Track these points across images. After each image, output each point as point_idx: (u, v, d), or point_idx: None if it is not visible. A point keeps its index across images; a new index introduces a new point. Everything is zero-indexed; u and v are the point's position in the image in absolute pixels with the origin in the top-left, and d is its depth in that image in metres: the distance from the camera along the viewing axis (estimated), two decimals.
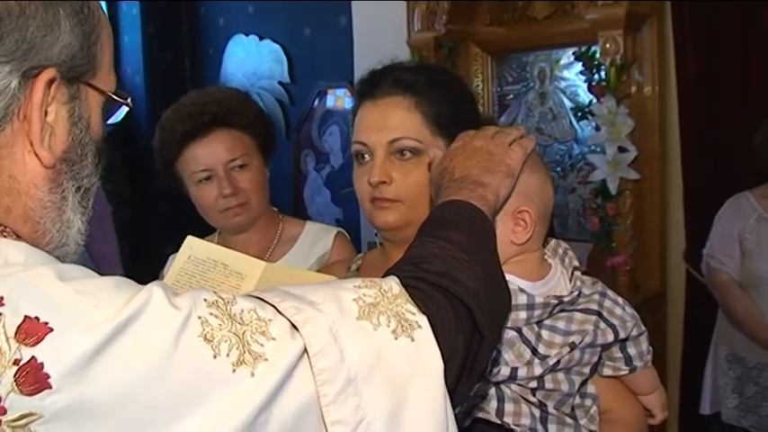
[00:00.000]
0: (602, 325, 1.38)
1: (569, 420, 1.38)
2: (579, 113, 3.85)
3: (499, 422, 1.33)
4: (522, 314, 1.33)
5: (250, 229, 2.20)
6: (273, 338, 0.87)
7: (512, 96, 4.39)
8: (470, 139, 1.35)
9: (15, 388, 0.76)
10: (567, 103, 4.12)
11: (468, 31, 4.37)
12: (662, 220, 3.78)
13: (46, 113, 0.94)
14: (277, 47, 5.70)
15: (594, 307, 1.39)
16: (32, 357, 0.77)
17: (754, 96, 3.42)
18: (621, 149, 3.59)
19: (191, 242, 1.61)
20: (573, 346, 1.34)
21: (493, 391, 1.34)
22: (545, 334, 1.36)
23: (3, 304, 0.79)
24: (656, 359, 3.76)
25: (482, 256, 1.10)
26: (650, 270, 3.80)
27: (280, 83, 5.70)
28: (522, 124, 4.31)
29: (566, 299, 1.36)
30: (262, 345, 0.86)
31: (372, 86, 1.54)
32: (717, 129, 3.54)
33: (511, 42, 4.27)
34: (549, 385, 1.35)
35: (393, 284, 1.00)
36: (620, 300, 1.44)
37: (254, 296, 0.93)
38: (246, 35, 5.95)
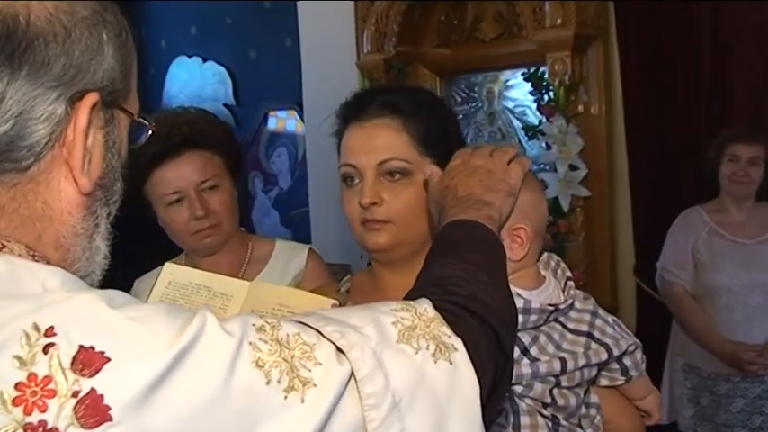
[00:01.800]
0: (594, 345, 1.41)
1: (578, 430, 1.41)
2: (529, 133, 3.92)
3: None
4: (519, 318, 1.34)
5: (220, 251, 2.16)
6: (320, 363, 0.86)
7: (461, 116, 4.40)
8: (469, 158, 1.35)
9: (75, 421, 0.74)
10: (516, 123, 4.18)
11: (416, 52, 4.41)
12: (611, 236, 3.86)
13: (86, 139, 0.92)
14: (221, 69, 5.68)
15: (585, 328, 1.42)
16: (92, 389, 0.75)
17: (698, 113, 3.54)
18: (572, 167, 3.66)
19: (170, 268, 1.59)
20: (563, 365, 1.36)
21: (508, 405, 1.36)
22: (541, 338, 1.38)
23: (55, 334, 0.76)
24: None
25: (499, 277, 1.12)
26: (601, 285, 3.85)
27: (225, 105, 5.67)
28: (472, 144, 4.35)
29: (561, 306, 1.40)
30: (309, 370, 0.85)
31: (359, 109, 1.55)
32: (663, 145, 3.64)
33: (459, 63, 4.33)
34: (560, 402, 1.38)
35: (428, 307, 1.00)
36: (610, 318, 1.47)
37: (297, 321, 0.92)
38: (189, 57, 5.92)
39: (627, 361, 1.46)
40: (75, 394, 0.74)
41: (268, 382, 0.82)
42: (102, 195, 0.96)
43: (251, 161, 5.44)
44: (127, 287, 2.40)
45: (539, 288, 1.43)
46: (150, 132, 1.05)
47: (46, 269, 0.87)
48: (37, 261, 0.89)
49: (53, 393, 0.74)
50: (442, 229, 1.23)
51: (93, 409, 0.74)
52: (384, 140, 1.51)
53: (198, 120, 2.13)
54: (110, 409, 0.74)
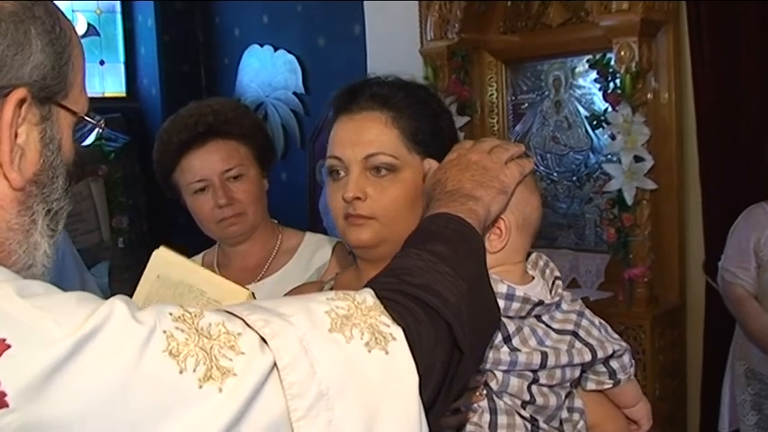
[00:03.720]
0: (578, 344, 1.36)
1: None
2: (595, 122, 3.79)
3: None
4: (500, 303, 1.29)
5: (248, 240, 2.18)
6: (243, 353, 0.85)
7: (526, 105, 4.33)
8: (466, 152, 1.33)
9: None
10: (583, 112, 4.06)
11: (481, 39, 4.33)
12: (680, 230, 3.71)
13: (16, 135, 0.92)
14: (292, 57, 5.69)
15: (570, 327, 1.38)
16: None
17: None
18: (637, 159, 3.52)
19: (161, 256, 1.55)
20: (544, 359, 1.32)
21: (485, 403, 1.33)
22: (525, 331, 1.34)
23: None
24: (676, 374, 3.71)
25: (468, 271, 1.07)
26: (669, 282, 3.72)
27: (294, 93, 5.69)
28: (537, 133, 4.26)
29: (546, 301, 1.35)
30: (230, 359, 0.84)
31: (349, 101, 1.51)
32: (735, 135, 3.47)
33: (525, 50, 4.23)
34: (539, 401, 1.33)
35: (368, 296, 0.97)
36: (596, 321, 1.43)
37: (223, 310, 0.91)
38: (261, 45, 5.95)
39: (614, 364, 1.41)
40: None
41: (181, 371, 0.81)
42: (38, 192, 0.96)
43: (319, 150, 5.43)
44: None
45: (524, 286, 1.38)
46: (99, 131, 1.05)
47: None
48: None
49: None
50: (421, 221, 1.21)
51: None
52: (372, 134, 1.47)
53: (225, 109, 2.15)
54: (6, 395, 0.75)
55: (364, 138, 1.46)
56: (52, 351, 0.76)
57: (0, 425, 0.74)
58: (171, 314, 0.86)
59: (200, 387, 0.81)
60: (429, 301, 1.00)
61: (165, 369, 0.81)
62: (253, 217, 2.13)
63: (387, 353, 0.92)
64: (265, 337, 0.87)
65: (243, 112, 2.22)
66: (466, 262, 1.09)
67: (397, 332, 0.94)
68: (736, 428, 3.17)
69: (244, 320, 0.89)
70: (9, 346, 0.76)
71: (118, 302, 0.83)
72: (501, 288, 1.30)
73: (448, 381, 1.01)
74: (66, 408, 0.76)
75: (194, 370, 0.82)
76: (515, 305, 1.32)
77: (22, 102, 0.91)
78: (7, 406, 0.74)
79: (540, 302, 1.34)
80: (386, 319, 0.95)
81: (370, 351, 0.91)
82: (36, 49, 0.92)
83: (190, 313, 0.86)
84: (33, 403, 0.75)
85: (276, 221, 2.29)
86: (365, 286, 1.03)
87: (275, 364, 0.86)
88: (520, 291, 1.32)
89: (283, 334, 0.88)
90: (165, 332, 0.83)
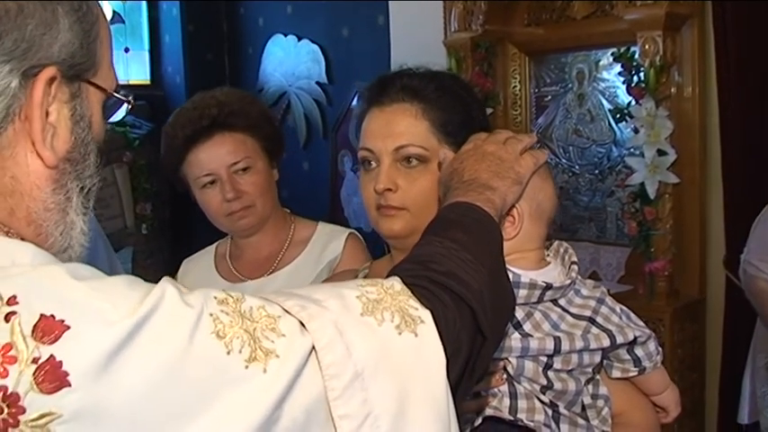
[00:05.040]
0: (595, 330, 1.37)
1: (581, 421, 1.37)
2: (618, 115, 3.78)
3: (512, 418, 1.32)
4: None
5: (260, 232, 2.19)
6: (284, 335, 0.87)
7: (549, 98, 4.33)
8: (482, 143, 1.35)
9: (35, 387, 0.75)
10: (606, 105, 4.05)
11: (505, 31, 4.33)
12: (702, 225, 3.70)
13: (48, 113, 0.93)
14: (315, 47, 5.70)
15: (587, 313, 1.39)
16: (51, 356, 0.76)
17: None
18: (661, 152, 3.52)
19: None
20: (557, 344, 1.32)
21: (505, 387, 1.34)
22: (536, 315, 1.36)
23: (17, 302, 0.78)
24: (695, 367, 3.70)
25: (487, 258, 1.10)
26: (689, 276, 3.72)
27: (317, 83, 5.70)
28: (559, 126, 4.26)
29: (555, 285, 1.36)
30: (272, 341, 0.86)
31: (380, 93, 1.54)
32: (759, 131, 3.45)
33: (549, 43, 4.22)
34: (557, 385, 1.34)
35: (395, 282, 1.00)
36: (617, 308, 1.43)
37: (259, 296, 0.93)
38: (285, 35, 5.97)
39: (639, 351, 1.41)
40: (35, 361, 0.76)
41: (229, 353, 0.83)
42: (71, 169, 0.98)
43: (341, 140, 5.46)
44: None
45: (536, 271, 1.39)
46: (129, 107, 1.07)
47: (17, 245, 0.90)
48: (10, 237, 0.91)
49: (14, 360, 0.76)
50: (440, 209, 1.24)
51: (51, 374, 0.76)
52: (402, 126, 1.50)
53: (230, 101, 2.13)
54: (68, 375, 0.76)
55: (395, 130, 1.49)
56: (112, 332, 0.78)
57: (62, 404, 0.76)
58: (215, 297, 0.88)
59: (247, 368, 0.84)
60: (453, 287, 1.02)
61: (214, 350, 0.83)
62: (262, 209, 2.13)
63: (416, 335, 0.95)
64: (303, 321, 0.90)
65: (249, 102, 2.20)
66: (485, 249, 1.12)
67: (426, 315, 0.97)
68: (756, 421, 3.16)
69: (281, 306, 0.91)
70: (68, 327, 0.77)
71: (168, 286, 0.85)
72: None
73: (471, 364, 1.04)
74: (125, 388, 0.78)
75: (240, 351, 0.84)
76: (522, 291, 1.33)
77: (51, 80, 0.92)
78: (70, 385, 0.76)
79: (549, 286, 1.35)
80: (414, 302, 0.98)
81: (400, 334, 0.94)
82: (64, 28, 0.93)
83: (232, 297, 0.89)
84: (94, 384, 0.77)
85: (288, 211, 2.28)
86: (389, 274, 1.06)
87: (313, 346, 0.88)
88: (525, 277, 1.34)
89: (319, 317, 0.91)
90: (211, 315, 0.85)
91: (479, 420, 1.32)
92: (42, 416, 0.75)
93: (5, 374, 0.75)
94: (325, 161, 5.66)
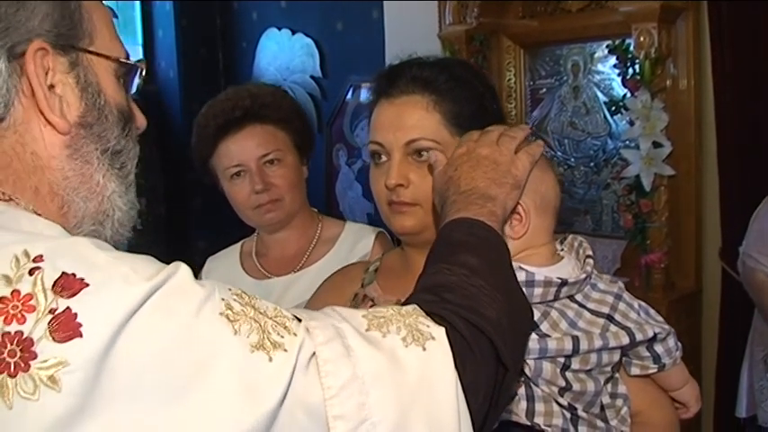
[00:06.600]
0: (613, 328, 1.33)
1: (600, 423, 1.34)
2: (613, 108, 3.77)
3: (529, 423, 1.29)
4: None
5: (287, 228, 2.17)
6: (295, 334, 0.89)
7: (545, 90, 4.31)
8: (474, 146, 1.30)
9: (48, 334, 0.79)
10: (601, 97, 4.04)
11: (500, 23, 4.30)
12: (697, 217, 3.69)
13: (53, 86, 0.97)
14: (309, 41, 5.68)
15: (605, 310, 1.35)
16: (68, 308, 0.80)
17: None
18: (656, 145, 3.51)
19: None
20: (575, 344, 1.29)
21: (522, 390, 1.30)
22: (553, 314, 1.32)
23: (42, 260, 0.83)
24: (691, 360, 3.69)
25: (500, 280, 1.07)
26: (685, 268, 3.72)
27: (312, 77, 5.68)
28: (555, 119, 4.25)
29: (570, 280, 1.32)
30: (282, 336, 0.88)
31: (389, 84, 1.49)
32: (754, 123, 3.44)
33: (544, 35, 4.20)
34: (575, 386, 1.31)
35: (409, 306, 1.00)
36: (636, 304, 1.39)
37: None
38: (279, 29, 5.94)
39: (658, 348, 1.38)
40: (52, 311, 0.81)
41: (235, 333, 0.85)
42: (86, 133, 1.01)
43: (336, 133, 5.45)
44: None
45: (551, 266, 1.36)
46: (143, 71, 1.10)
47: (46, 222, 0.94)
48: (39, 215, 0.96)
49: (32, 309, 0.81)
50: (443, 227, 1.19)
51: (66, 325, 0.80)
52: (413, 119, 1.45)
53: (263, 93, 2.13)
54: (81, 326, 0.80)
55: (406, 123, 1.44)
56: (132, 292, 0.82)
57: (71, 353, 0.79)
58: (230, 289, 0.91)
59: (252, 352, 0.85)
60: (470, 318, 1.00)
61: (220, 328, 0.85)
62: (290, 204, 2.11)
63: (424, 349, 0.93)
64: (307, 325, 0.91)
65: (281, 96, 2.20)
66: (497, 271, 1.09)
67: (438, 332, 0.95)
68: (754, 414, 3.16)
69: (291, 312, 0.93)
70: (87, 285, 0.82)
71: (182, 265, 0.89)
72: (520, 276, 1.27)
73: (495, 399, 1.01)
74: (133, 348, 0.81)
75: (248, 336, 0.86)
76: (537, 290, 1.29)
77: (42, 53, 0.95)
78: (81, 336, 0.79)
79: (565, 282, 1.31)
80: (425, 320, 0.97)
81: (406, 346, 0.93)
82: (38, 2, 0.95)
83: (247, 294, 0.92)
84: (106, 339, 0.80)
85: (316, 210, 2.27)
86: (405, 303, 1.04)
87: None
88: (539, 275, 1.30)
89: (322, 320, 0.93)
90: (223, 299, 0.88)
91: (495, 425, 1.30)
92: (51, 363, 0.79)
93: (23, 321, 0.80)
94: (320, 155, 5.64)
